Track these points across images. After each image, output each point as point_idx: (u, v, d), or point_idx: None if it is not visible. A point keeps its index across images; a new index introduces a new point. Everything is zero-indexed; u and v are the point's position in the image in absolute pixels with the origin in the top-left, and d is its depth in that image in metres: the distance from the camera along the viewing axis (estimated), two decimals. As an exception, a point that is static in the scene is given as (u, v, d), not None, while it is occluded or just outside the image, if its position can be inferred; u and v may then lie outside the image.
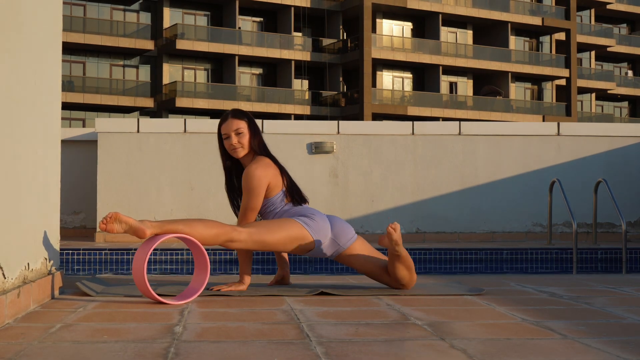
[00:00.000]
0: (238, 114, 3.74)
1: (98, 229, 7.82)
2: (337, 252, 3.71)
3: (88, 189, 8.32)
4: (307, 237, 3.60)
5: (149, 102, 34.79)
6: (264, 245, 3.55)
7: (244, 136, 3.68)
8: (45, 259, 3.31)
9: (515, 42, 41.34)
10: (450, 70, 39.39)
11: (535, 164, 8.35)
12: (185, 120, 8.13)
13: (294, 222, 3.61)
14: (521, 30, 41.67)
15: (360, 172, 8.21)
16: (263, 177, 3.61)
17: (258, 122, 8.05)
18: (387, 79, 38.69)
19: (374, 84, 37.79)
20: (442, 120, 37.07)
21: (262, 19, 37.45)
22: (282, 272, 3.94)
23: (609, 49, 45.24)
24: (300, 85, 37.72)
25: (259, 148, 3.71)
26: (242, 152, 3.69)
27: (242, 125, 3.69)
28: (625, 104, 48.51)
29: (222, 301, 3.35)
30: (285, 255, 3.98)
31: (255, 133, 3.72)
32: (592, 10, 45.51)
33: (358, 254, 3.73)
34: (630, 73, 47.95)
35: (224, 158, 3.80)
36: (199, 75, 36.18)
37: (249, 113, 3.80)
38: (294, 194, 3.73)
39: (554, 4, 42.41)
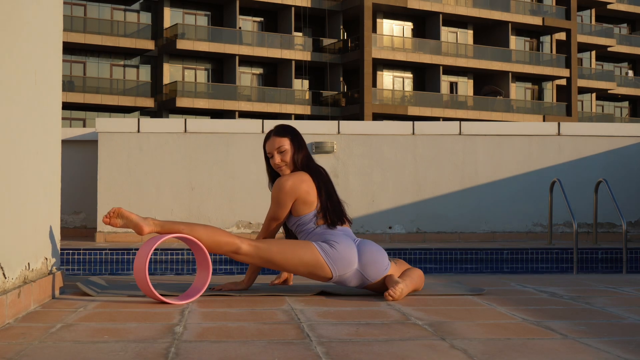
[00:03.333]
0: (281, 131, 3.62)
1: (99, 229, 7.82)
2: (364, 284, 3.50)
3: (88, 189, 8.32)
4: (322, 266, 3.41)
5: (149, 102, 34.78)
6: (271, 264, 3.43)
7: (286, 154, 3.57)
8: (46, 258, 3.31)
9: (515, 42, 41.33)
10: (450, 70, 39.38)
11: (535, 164, 8.35)
12: (185, 120, 8.13)
13: (310, 246, 3.43)
14: (522, 30, 41.66)
15: (360, 172, 8.21)
16: (290, 190, 3.49)
17: (258, 122, 8.05)
18: (388, 79, 38.68)
19: (374, 84, 37.79)
20: (443, 120, 37.06)
21: (262, 19, 37.44)
22: (285, 274, 3.91)
23: (609, 49, 45.22)
24: (301, 85, 37.72)
25: (302, 164, 3.58)
26: (287, 170, 3.58)
27: (285, 143, 3.58)
28: (626, 104, 48.49)
29: (223, 301, 3.35)
30: None
31: (299, 149, 3.60)
32: (593, 10, 45.50)
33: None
34: (630, 73, 47.93)
35: (270, 178, 3.71)
36: (199, 75, 36.17)
37: (293, 128, 3.66)
38: (329, 215, 3.53)
39: (554, 3, 42.39)
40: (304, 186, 3.51)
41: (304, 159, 3.60)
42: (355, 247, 3.47)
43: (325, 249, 3.42)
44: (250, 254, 3.40)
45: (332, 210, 3.54)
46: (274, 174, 3.70)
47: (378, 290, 3.54)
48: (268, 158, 3.65)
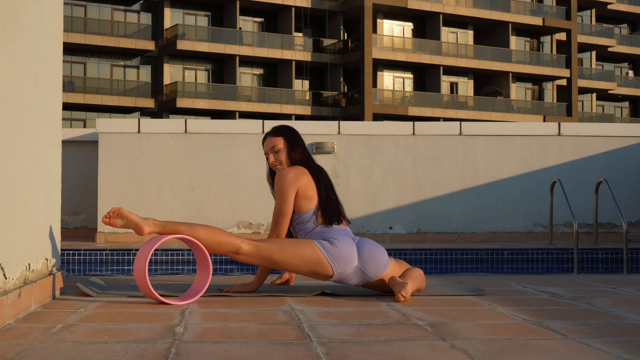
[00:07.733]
0: (275, 131, 3.68)
1: (99, 229, 7.82)
2: (364, 281, 3.52)
3: (89, 190, 8.32)
4: (323, 263, 3.42)
5: (149, 103, 34.79)
6: (272, 263, 3.43)
7: (281, 153, 3.62)
8: (46, 259, 3.31)
9: (516, 43, 41.33)
10: (451, 71, 39.38)
11: (536, 164, 8.35)
12: (186, 120, 8.13)
13: (311, 244, 3.45)
14: (522, 30, 41.66)
15: (361, 173, 8.21)
16: (292, 181, 3.52)
17: (258, 122, 8.05)
18: (388, 79, 38.67)
19: (374, 84, 37.78)
20: (443, 120, 37.06)
21: (262, 20, 37.44)
22: (287, 275, 3.91)
23: (609, 49, 45.21)
24: (301, 85, 37.71)
25: (300, 161, 3.64)
26: (281, 169, 3.63)
27: (278, 142, 3.63)
28: (626, 104, 48.48)
29: (223, 301, 3.35)
30: None
31: (294, 146, 3.64)
32: (593, 11, 45.49)
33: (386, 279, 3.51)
34: (631, 73, 47.92)
35: (269, 181, 3.74)
36: (199, 75, 36.17)
37: (289, 128, 3.71)
38: (328, 212, 3.56)
39: (554, 4, 42.39)
40: (304, 178, 3.56)
41: (302, 156, 3.65)
42: (355, 245, 3.50)
43: (326, 246, 3.44)
44: (251, 254, 3.39)
45: (330, 208, 3.58)
46: (273, 176, 3.75)
47: (378, 289, 3.56)
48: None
